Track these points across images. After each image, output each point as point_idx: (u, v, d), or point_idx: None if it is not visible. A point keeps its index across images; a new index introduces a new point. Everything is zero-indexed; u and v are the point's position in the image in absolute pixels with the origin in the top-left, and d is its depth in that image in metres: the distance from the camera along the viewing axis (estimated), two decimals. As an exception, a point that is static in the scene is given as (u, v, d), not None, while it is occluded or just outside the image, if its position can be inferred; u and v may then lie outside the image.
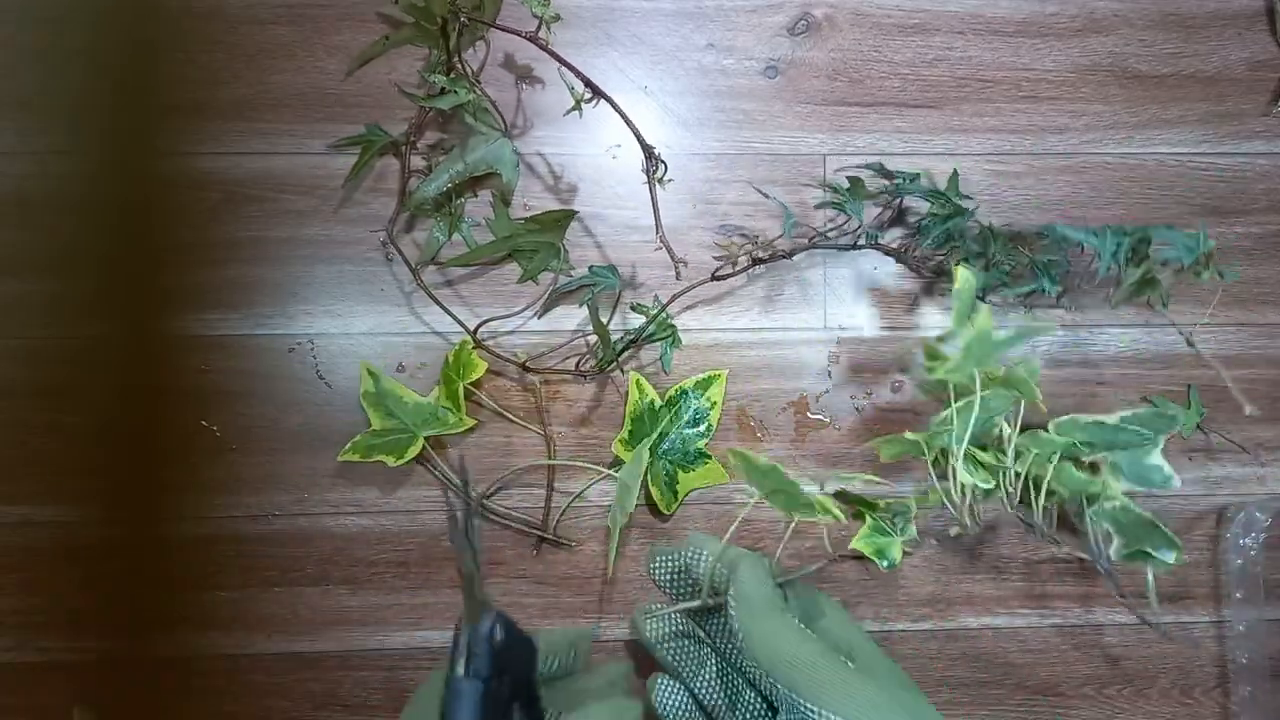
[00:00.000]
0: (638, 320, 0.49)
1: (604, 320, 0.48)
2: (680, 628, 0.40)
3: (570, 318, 0.50)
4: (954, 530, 0.43)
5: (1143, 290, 0.47)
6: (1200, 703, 0.51)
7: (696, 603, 0.38)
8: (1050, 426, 0.42)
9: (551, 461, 0.49)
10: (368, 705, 0.48)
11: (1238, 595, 0.50)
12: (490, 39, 0.50)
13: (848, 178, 0.48)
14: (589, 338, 0.50)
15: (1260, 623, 0.50)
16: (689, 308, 0.50)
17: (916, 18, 0.52)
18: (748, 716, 0.38)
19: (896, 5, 0.52)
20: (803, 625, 0.34)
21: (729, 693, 0.39)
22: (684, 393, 0.49)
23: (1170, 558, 0.40)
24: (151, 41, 0.47)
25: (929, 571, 0.50)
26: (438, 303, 0.48)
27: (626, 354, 0.50)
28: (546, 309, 0.50)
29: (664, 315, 0.48)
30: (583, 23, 0.51)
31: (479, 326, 0.48)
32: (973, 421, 0.40)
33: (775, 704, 0.36)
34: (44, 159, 0.48)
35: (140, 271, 0.47)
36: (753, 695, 0.38)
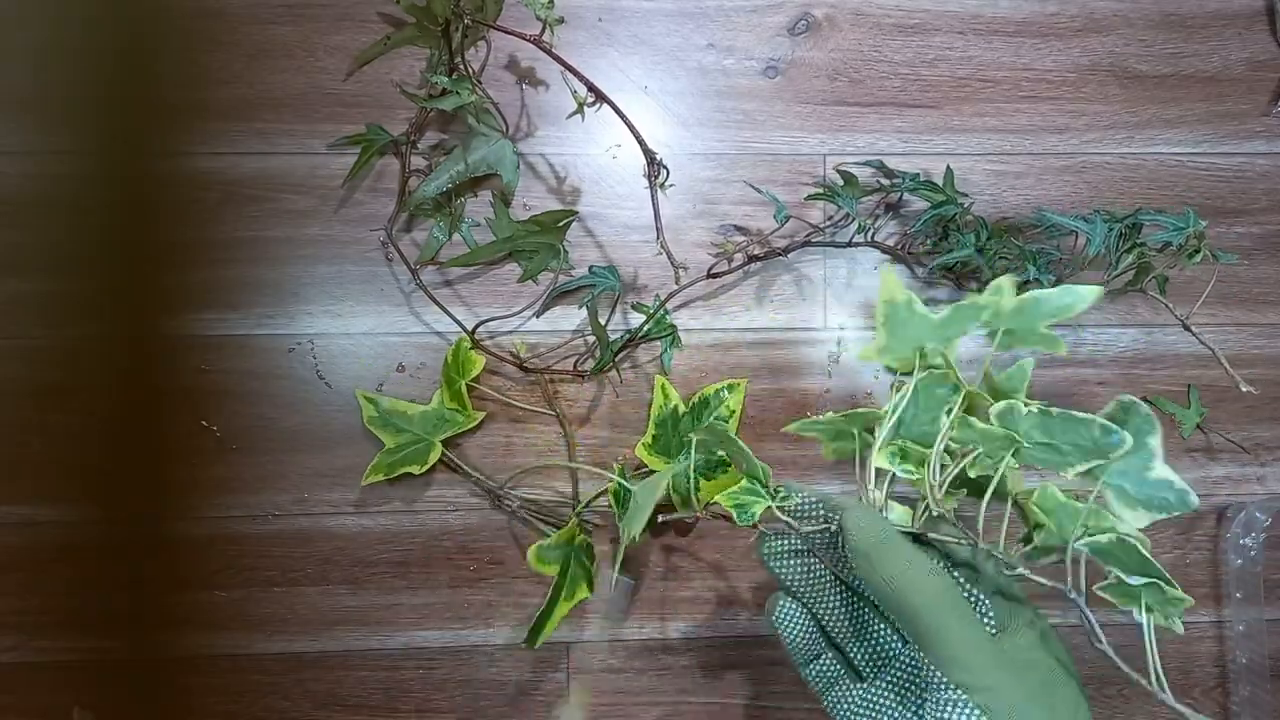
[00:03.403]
0: (639, 320, 0.49)
1: (604, 321, 0.48)
2: (801, 548, 0.37)
3: (570, 318, 0.50)
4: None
5: (1138, 278, 0.48)
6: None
7: (816, 528, 0.36)
8: (991, 415, 0.34)
9: (571, 464, 0.49)
10: (368, 705, 0.48)
11: (1238, 595, 0.50)
12: (491, 39, 0.50)
13: (840, 171, 0.48)
14: (588, 337, 0.50)
15: (1260, 623, 0.50)
16: (688, 307, 0.50)
17: (916, 18, 0.52)
18: (875, 647, 0.37)
19: (896, 5, 0.52)
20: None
21: (855, 621, 0.37)
22: (707, 400, 0.49)
23: (1178, 625, 0.34)
24: (152, 41, 0.47)
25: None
26: (437, 303, 0.48)
27: (623, 354, 0.50)
28: (545, 309, 0.50)
29: (664, 315, 0.49)
30: (583, 23, 0.51)
31: (477, 326, 0.48)
32: (900, 406, 0.35)
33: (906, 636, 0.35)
34: (43, 159, 0.48)
35: (140, 271, 0.47)
36: (882, 626, 0.37)
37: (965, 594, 0.35)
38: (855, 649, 0.37)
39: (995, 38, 0.52)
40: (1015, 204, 0.52)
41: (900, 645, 0.37)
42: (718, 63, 0.51)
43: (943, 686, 0.31)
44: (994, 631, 0.34)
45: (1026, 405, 0.33)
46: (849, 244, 0.50)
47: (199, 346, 0.48)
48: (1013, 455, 0.34)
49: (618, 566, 0.45)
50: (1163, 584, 0.32)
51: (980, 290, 0.50)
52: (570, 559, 0.46)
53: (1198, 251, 0.46)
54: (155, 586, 0.46)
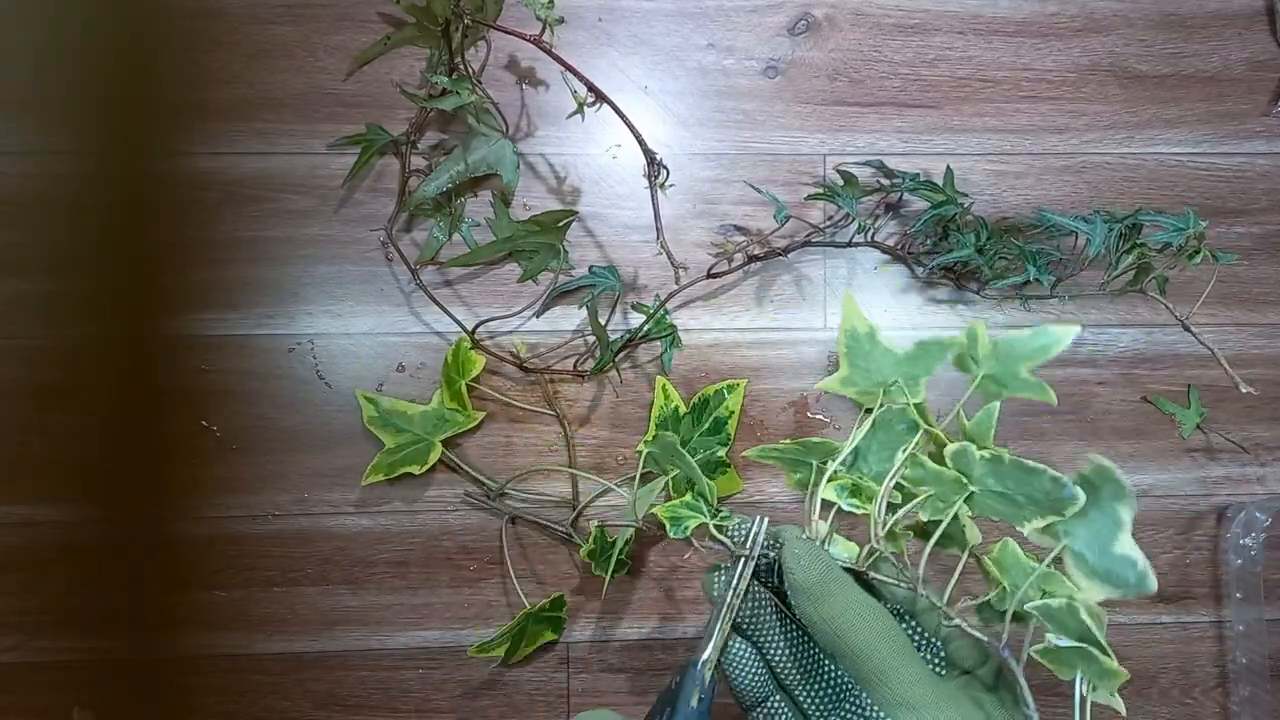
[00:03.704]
0: (639, 320, 0.49)
1: (604, 321, 0.48)
2: (753, 592, 0.36)
3: (570, 318, 0.50)
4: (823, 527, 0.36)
5: (1138, 278, 0.48)
6: (1200, 703, 0.51)
7: (745, 552, 0.35)
8: (946, 456, 0.32)
9: (571, 470, 0.49)
10: (368, 705, 0.48)
11: (1238, 595, 0.50)
12: (491, 39, 0.50)
13: (840, 171, 0.48)
14: (588, 337, 0.50)
15: (1260, 623, 0.50)
16: (688, 307, 0.50)
17: (916, 18, 0.52)
18: (825, 689, 0.35)
19: (896, 5, 0.52)
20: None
21: (804, 661, 0.36)
22: (707, 400, 0.49)
23: (1118, 702, 0.32)
24: (152, 41, 0.47)
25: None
26: (437, 303, 0.48)
27: (623, 354, 0.50)
28: (545, 309, 0.50)
29: (664, 315, 0.49)
30: (583, 23, 0.51)
31: (477, 327, 0.48)
32: (858, 439, 0.34)
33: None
34: (43, 159, 0.48)
35: (140, 271, 0.47)
36: (831, 666, 0.35)
37: (914, 634, 0.34)
38: (804, 691, 0.36)
39: (995, 38, 0.52)
40: (1015, 204, 0.52)
41: (849, 687, 0.35)
42: (718, 63, 0.51)
43: None
44: (942, 672, 0.33)
45: (980, 449, 0.31)
46: (849, 244, 0.50)
47: (199, 346, 0.48)
48: (967, 503, 0.32)
49: (609, 575, 0.44)
50: (1097, 652, 0.30)
51: (979, 292, 0.51)
52: (523, 631, 0.47)
53: (1198, 252, 0.46)
54: (155, 586, 0.46)
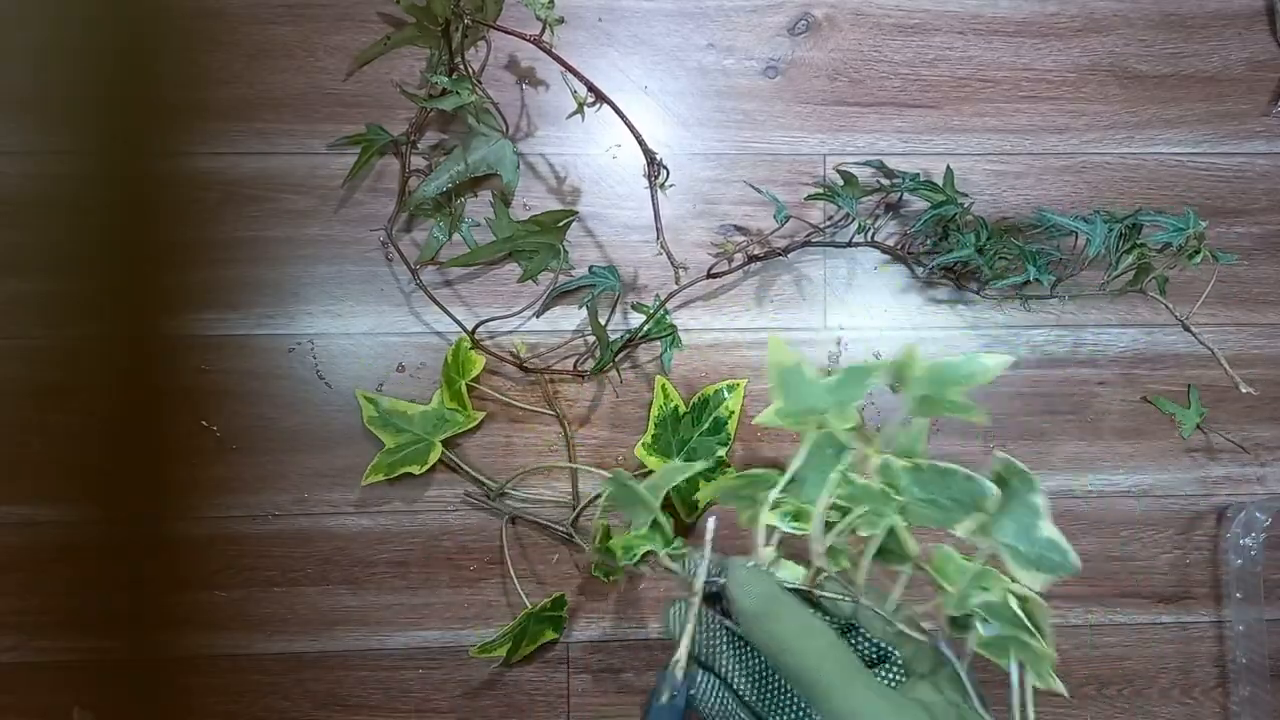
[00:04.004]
0: (640, 319, 0.49)
1: (604, 321, 0.48)
2: (711, 624, 0.37)
3: (569, 318, 0.50)
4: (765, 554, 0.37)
5: (1138, 278, 0.48)
6: (1200, 703, 0.51)
7: (700, 583, 0.36)
8: (871, 471, 0.34)
9: (571, 465, 0.49)
10: (368, 705, 0.48)
11: (1238, 595, 0.50)
12: (491, 39, 0.50)
13: (840, 171, 0.48)
14: (588, 337, 0.50)
15: (1260, 623, 0.50)
16: (688, 307, 0.50)
17: (916, 18, 0.52)
18: (794, 710, 0.36)
19: (896, 5, 0.52)
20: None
21: (769, 688, 0.36)
22: (706, 400, 0.49)
23: (1056, 682, 0.32)
24: (152, 41, 0.47)
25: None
26: (437, 303, 0.48)
27: (623, 354, 0.50)
28: (545, 309, 0.50)
29: (664, 315, 0.49)
30: (583, 23, 0.51)
31: (477, 327, 0.48)
32: (793, 467, 0.35)
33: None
34: (43, 159, 0.48)
35: (140, 271, 0.47)
36: (791, 703, 0.36)
37: (868, 647, 0.35)
38: (774, 716, 0.36)
39: (995, 38, 0.52)
40: (1015, 204, 0.52)
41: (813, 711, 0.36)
42: (718, 63, 0.51)
43: None
44: (903, 679, 0.33)
45: (901, 461, 0.33)
46: (849, 244, 0.50)
47: (199, 346, 0.48)
48: (902, 514, 0.33)
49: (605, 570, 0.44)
50: (1025, 636, 0.31)
51: (979, 292, 0.51)
52: (524, 631, 0.47)
53: (1198, 252, 0.46)
54: (155, 586, 0.46)
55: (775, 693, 0.36)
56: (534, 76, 0.50)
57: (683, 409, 0.48)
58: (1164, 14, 0.53)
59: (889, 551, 0.34)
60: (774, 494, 0.35)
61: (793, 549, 0.36)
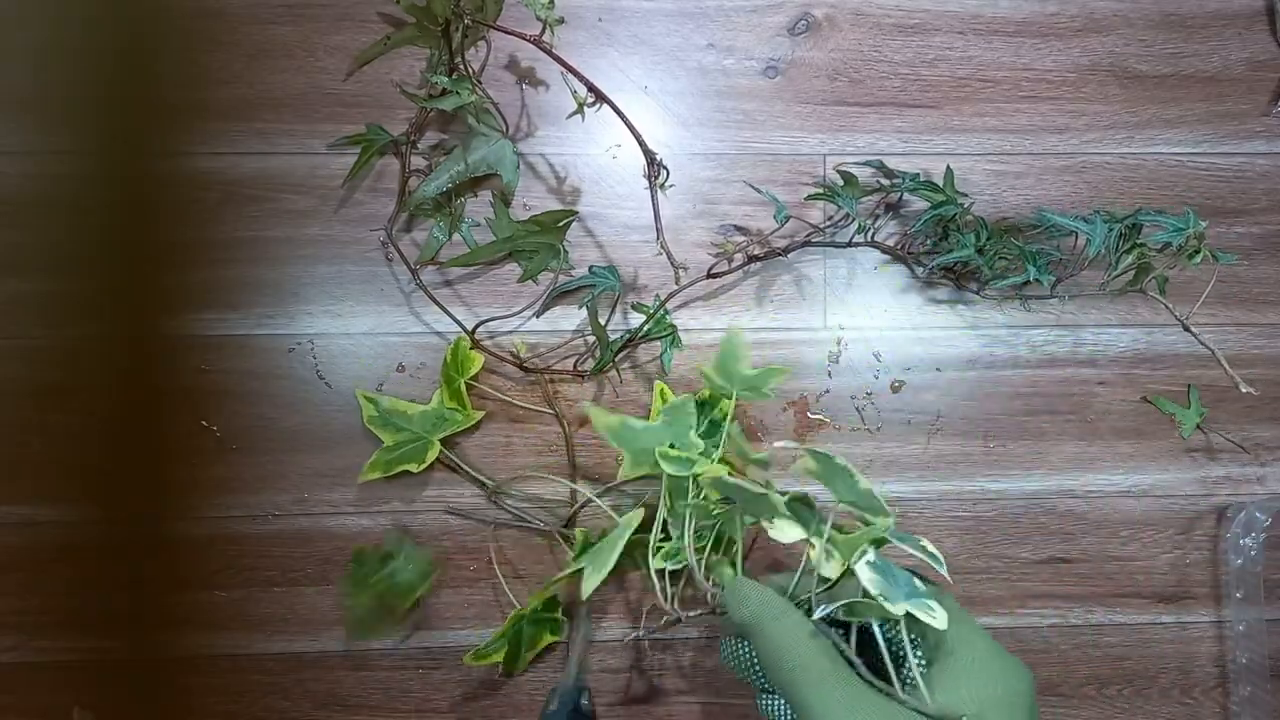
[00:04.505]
0: (640, 319, 0.49)
1: (604, 321, 0.48)
2: (748, 653, 0.38)
3: (569, 318, 0.50)
4: (662, 619, 0.40)
5: (1138, 278, 0.48)
6: (1200, 703, 0.51)
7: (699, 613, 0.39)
8: (704, 487, 0.38)
9: (553, 478, 0.49)
10: (368, 705, 0.48)
11: (1238, 595, 0.50)
12: (491, 39, 0.50)
13: (840, 171, 0.48)
14: (588, 337, 0.50)
15: (1260, 623, 0.50)
16: (688, 307, 0.50)
17: (916, 18, 0.52)
18: None
19: (896, 5, 0.52)
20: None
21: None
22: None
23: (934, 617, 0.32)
24: (152, 41, 0.47)
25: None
26: (437, 303, 0.48)
27: (623, 354, 0.50)
28: (545, 309, 0.50)
29: (664, 315, 0.49)
30: (583, 23, 0.51)
31: (476, 327, 0.48)
32: (660, 516, 0.39)
33: None
34: (43, 159, 0.48)
35: (140, 271, 0.47)
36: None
37: (911, 638, 0.33)
38: None
39: (995, 38, 0.52)
40: (1015, 204, 0.52)
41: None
42: (718, 63, 0.51)
43: None
44: (927, 663, 0.32)
45: (713, 480, 0.37)
46: (849, 244, 0.50)
47: (199, 346, 0.48)
48: (738, 519, 0.38)
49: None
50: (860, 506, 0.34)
51: (979, 292, 0.51)
52: (520, 634, 0.47)
53: (1198, 252, 0.46)
54: (155, 586, 0.46)
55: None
56: (534, 76, 0.50)
57: None
58: (1164, 14, 0.53)
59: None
60: (653, 541, 0.39)
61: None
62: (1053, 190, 0.52)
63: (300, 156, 0.49)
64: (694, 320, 0.50)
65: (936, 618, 0.31)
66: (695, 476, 0.38)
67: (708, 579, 0.38)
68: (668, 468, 0.38)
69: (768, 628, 0.33)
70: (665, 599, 0.39)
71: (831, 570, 0.33)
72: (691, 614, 0.39)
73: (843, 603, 0.33)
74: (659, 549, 0.39)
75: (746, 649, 0.37)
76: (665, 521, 0.40)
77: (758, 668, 0.37)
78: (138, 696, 0.46)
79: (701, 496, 0.38)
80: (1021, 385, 0.51)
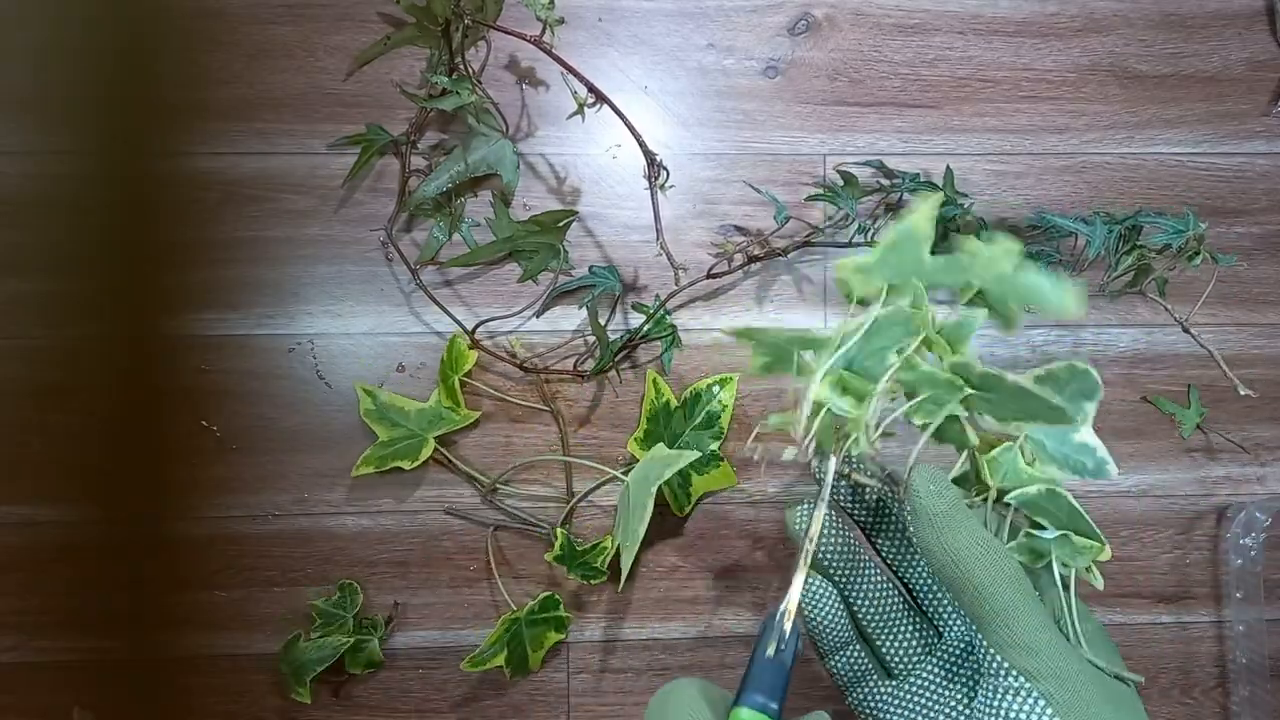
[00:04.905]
0: (640, 320, 0.49)
1: (604, 321, 0.48)
2: (840, 529, 0.34)
3: (570, 318, 0.50)
4: (787, 453, 0.32)
5: (1137, 279, 0.48)
6: (1200, 703, 0.51)
7: (867, 481, 0.33)
8: (945, 363, 0.32)
9: (565, 459, 0.49)
10: (368, 705, 0.48)
11: (1238, 595, 0.50)
12: (491, 39, 0.50)
13: (840, 171, 0.48)
14: (588, 337, 0.50)
15: (1260, 623, 0.50)
16: (688, 307, 0.50)
17: (916, 18, 0.52)
18: (911, 641, 0.33)
19: (896, 5, 0.52)
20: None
21: (890, 611, 0.34)
22: (699, 394, 0.49)
23: (1097, 578, 0.32)
24: (152, 41, 0.47)
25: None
26: (437, 303, 0.48)
27: (623, 354, 0.50)
28: (545, 309, 0.50)
29: (664, 315, 0.49)
30: (583, 23, 0.51)
31: (477, 327, 0.48)
32: (855, 336, 0.32)
33: (946, 628, 0.33)
34: (43, 159, 0.48)
35: (140, 271, 0.47)
36: (917, 619, 0.33)
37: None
38: (887, 642, 0.34)
39: (995, 38, 0.52)
40: (1015, 204, 0.52)
41: (937, 639, 0.33)
42: (718, 63, 0.51)
43: (1002, 673, 0.28)
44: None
45: (983, 367, 0.31)
46: (849, 244, 0.50)
47: (199, 346, 0.48)
48: (962, 404, 0.32)
49: (624, 579, 0.44)
50: (1073, 535, 0.31)
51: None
52: (519, 636, 0.47)
53: (1197, 254, 0.46)
54: (155, 586, 0.46)
55: (896, 617, 0.34)
56: (534, 76, 0.50)
57: (674, 403, 0.48)
58: (1164, 14, 0.53)
59: (944, 433, 0.33)
60: (829, 360, 0.31)
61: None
62: (1053, 190, 0.52)
63: (300, 156, 0.49)
64: (694, 320, 0.50)
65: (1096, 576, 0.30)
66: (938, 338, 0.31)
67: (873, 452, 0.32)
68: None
69: (962, 522, 0.30)
70: (804, 435, 0.31)
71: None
72: (825, 468, 0.32)
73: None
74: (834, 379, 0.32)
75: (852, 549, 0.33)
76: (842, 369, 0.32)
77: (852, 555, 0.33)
78: (138, 696, 0.45)
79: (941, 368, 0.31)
80: (1021, 385, 0.51)
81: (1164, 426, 0.52)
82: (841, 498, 0.35)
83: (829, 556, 0.34)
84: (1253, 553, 0.50)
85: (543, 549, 0.49)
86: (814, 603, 0.33)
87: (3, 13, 0.47)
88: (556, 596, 0.48)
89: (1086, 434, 0.31)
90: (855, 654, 0.34)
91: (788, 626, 0.30)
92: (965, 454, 0.33)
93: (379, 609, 0.49)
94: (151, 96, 0.47)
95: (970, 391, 0.31)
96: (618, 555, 0.44)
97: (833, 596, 0.33)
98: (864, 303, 0.33)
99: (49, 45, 0.46)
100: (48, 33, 0.46)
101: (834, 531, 0.34)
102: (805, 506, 0.34)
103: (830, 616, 0.33)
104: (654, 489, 0.42)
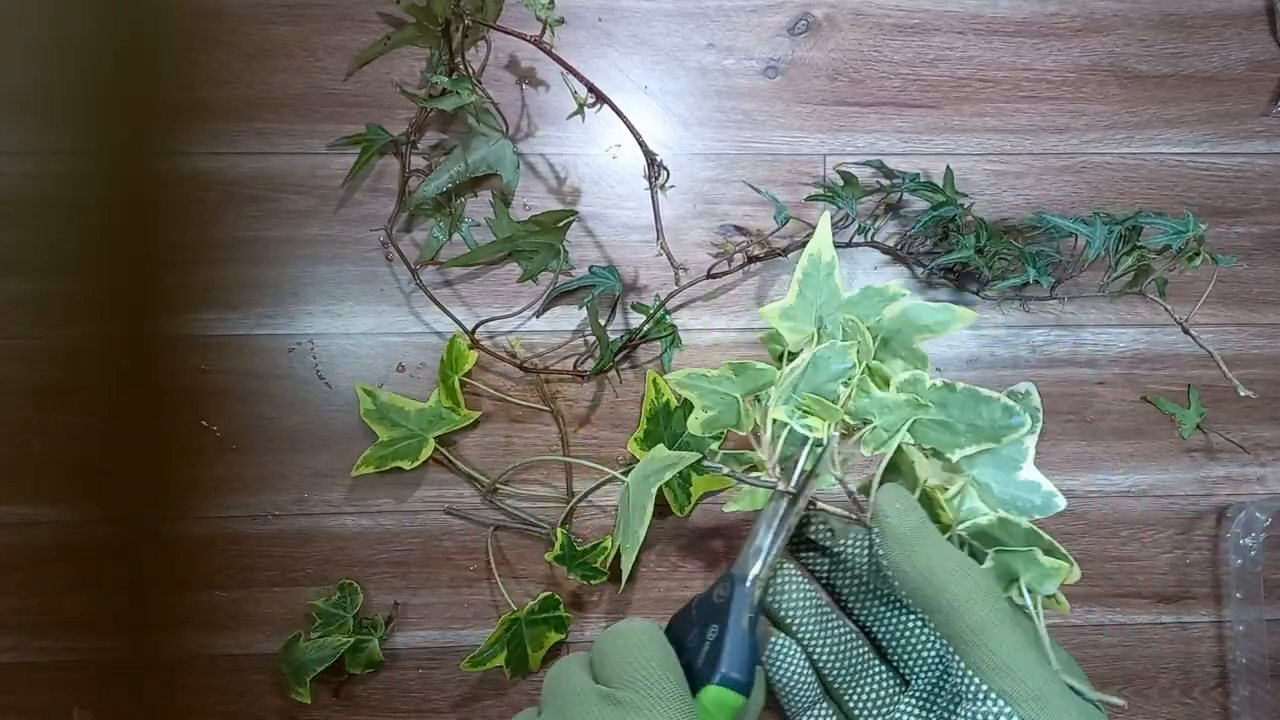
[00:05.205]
0: (640, 319, 0.49)
1: (604, 321, 0.48)
2: (799, 582, 0.33)
3: (570, 318, 0.50)
4: (763, 479, 0.32)
5: (1137, 280, 0.48)
6: (1200, 703, 0.51)
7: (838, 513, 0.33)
8: (894, 384, 0.32)
9: (565, 459, 0.49)
10: (368, 705, 0.48)
11: (1238, 595, 0.50)
12: (491, 39, 0.50)
13: (840, 172, 0.48)
14: (588, 337, 0.50)
15: (1260, 623, 0.50)
16: (689, 307, 0.50)
17: (916, 18, 0.52)
18: (877, 692, 0.33)
19: (896, 5, 0.52)
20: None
21: (855, 662, 0.33)
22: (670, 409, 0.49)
23: (1062, 602, 0.31)
24: (152, 41, 0.47)
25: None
26: (437, 303, 0.48)
27: (623, 354, 0.50)
28: (545, 309, 0.50)
29: (664, 315, 0.49)
30: (583, 23, 0.51)
31: (476, 327, 0.48)
32: (796, 371, 0.32)
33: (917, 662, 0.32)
34: (43, 159, 0.48)
35: (140, 271, 0.47)
36: (883, 668, 0.33)
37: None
38: (855, 694, 0.33)
39: (995, 38, 0.52)
40: (1015, 204, 0.52)
41: (904, 689, 0.33)
42: (718, 63, 0.51)
43: (980, 696, 0.27)
44: None
45: (931, 380, 0.31)
46: (849, 244, 0.50)
47: (199, 346, 0.48)
48: (909, 431, 0.32)
49: (625, 580, 0.45)
50: (1040, 553, 0.31)
51: (979, 293, 0.51)
52: (519, 636, 0.47)
53: (1197, 254, 0.46)
54: (155, 586, 0.46)
55: (862, 668, 0.33)
56: (534, 76, 0.50)
57: (674, 403, 0.48)
58: (1164, 14, 0.53)
59: (893, 468, 0.32)
60: (782, 382, 0.32)
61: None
62: (1053, 190, 0.52)
63: (300, 156, 0.49)
64: (694, 320, 0.50)
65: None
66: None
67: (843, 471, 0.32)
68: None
69: (933, 539, 0.29)
70: (770, 455, 0.32)
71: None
72: (794, 486, 0.31)
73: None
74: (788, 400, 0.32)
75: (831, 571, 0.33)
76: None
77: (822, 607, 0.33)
78: (138, 696, 0.45)
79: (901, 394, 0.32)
80: (1021, 385, 0.51)
81: (1164, 426, 0.52)
82: (800, 549, 0.35)
83: (791, 611, 0.33)
84: (1253, 553, 0.50)
85: (543, 549, 0.49)
86: (779, 662, 0.33)
87: (3, 13, 0.47)
88: (556, 596, 0.48)
89: (1029, 470, 0.31)
90: (823, 713, 0.33)
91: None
92: (918, 492, 0.32)
93: (379, 609, 0.49)
94: (151, 96, 0.47)
95: (919, 415, 0.32)
96: (618, 555, 0.44)
97: (798, 654, 0.33)
98: (793, 356, 0.34)
99: (49, 45, 0.46)
100: (48, 33, 0.46)
101: (794, 586, 0.33)
102: (773, 505, 0.33)
103: (797, 675, 0.33)
104: (654, 489, 0.43)
